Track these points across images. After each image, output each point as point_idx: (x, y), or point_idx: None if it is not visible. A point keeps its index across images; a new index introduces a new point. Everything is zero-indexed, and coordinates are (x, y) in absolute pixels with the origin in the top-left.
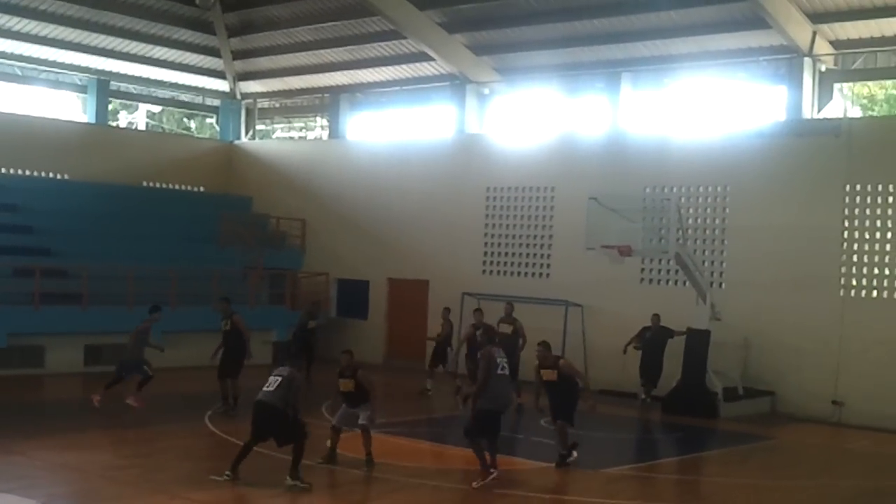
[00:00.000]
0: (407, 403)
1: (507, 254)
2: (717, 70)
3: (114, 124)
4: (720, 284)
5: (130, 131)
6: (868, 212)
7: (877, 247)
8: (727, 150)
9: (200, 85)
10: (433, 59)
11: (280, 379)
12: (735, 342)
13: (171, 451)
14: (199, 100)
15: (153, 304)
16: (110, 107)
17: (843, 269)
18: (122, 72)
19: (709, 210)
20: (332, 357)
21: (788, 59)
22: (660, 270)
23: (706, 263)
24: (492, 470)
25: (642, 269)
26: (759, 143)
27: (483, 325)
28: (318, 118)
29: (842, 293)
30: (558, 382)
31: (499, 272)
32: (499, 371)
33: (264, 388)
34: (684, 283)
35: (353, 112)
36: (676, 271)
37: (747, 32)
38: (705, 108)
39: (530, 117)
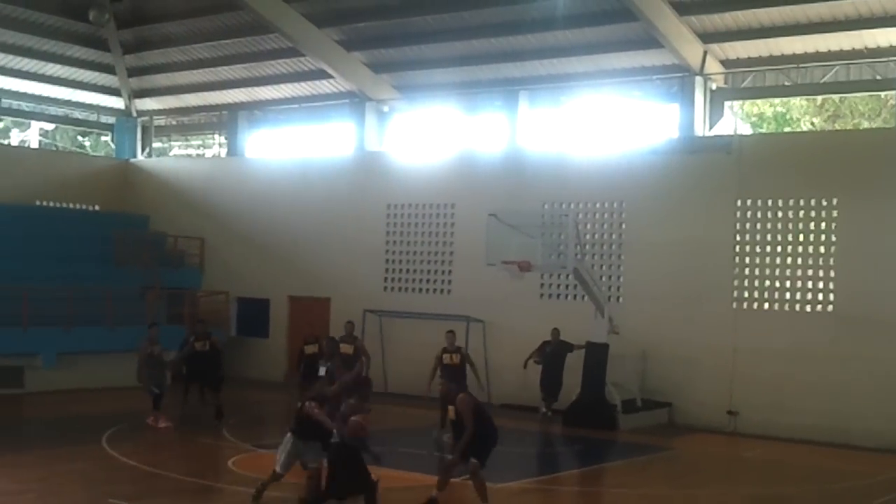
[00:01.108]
0: None
1: (408, 270)
2: (612, 88)
3: (5, 142)
4: (618, 298)
5: (23, 149)
6: (759, 226)
7: (767, 260)
8: (623, 167)
9: (95, 102)
10: (332, 77)
11: None
12: (633, 355)
13: (68, 475)
14: (93, 117)
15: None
16: (1, 124)
17: (736, 282)
18: (14, 89)
19: (606, 225)
20: (231, 376)
21: (680, 77)
22: (559, 285)
23: (604, 278)
24: None
25: (542, 285)
26: (653, 160)
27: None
28: (216, 136)
29: (734, 305)
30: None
31: (400, 289)
32: None
33: None
34: (583, 297)
35: (251, 130)
36: (575, 286)
37: (641, 52)
38: (601, 126)
39: (430, 135)
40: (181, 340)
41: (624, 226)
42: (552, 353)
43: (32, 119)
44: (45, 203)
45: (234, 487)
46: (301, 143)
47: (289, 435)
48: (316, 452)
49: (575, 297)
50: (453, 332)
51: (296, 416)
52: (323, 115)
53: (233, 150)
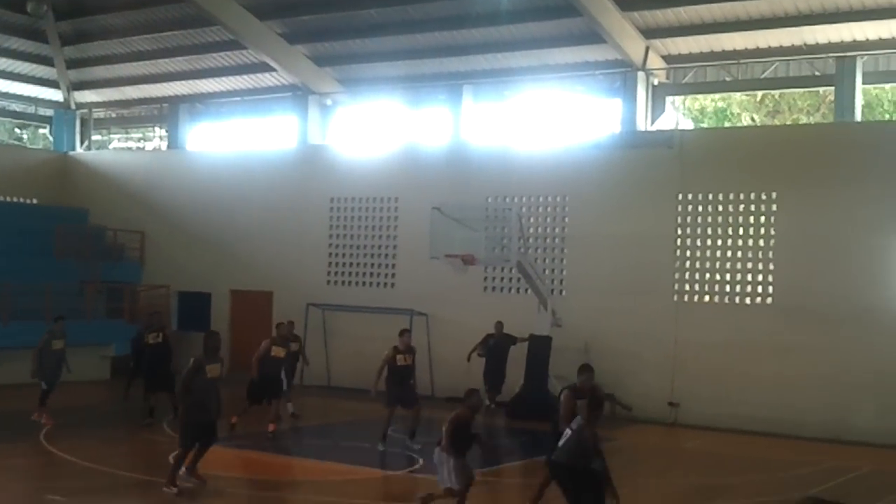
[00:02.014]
0: (250, 416)
1: (351, 264)
2: (555, 83)
3: None
4: (561, 291)
5: None
6: (700, 219)
7: (708, 253)
8: (566, 161)
9: (33, 94)
10: (274, 70)
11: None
12: (576, 347)
13: (5, 471)
14: (31, 109)
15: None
16: None
17: (677, 275)
18: None
19: (549, 219)
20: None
21: (623, 73)
22: (503, 279)
23: (547, 271)
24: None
25: (485, 278)
26: (595, 155)
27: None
28: (157, 129)
29: (676, 298)
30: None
31: (344, 282)
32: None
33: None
34: (526, 290)
35: (193, 123)
36: (519, 279)
37: (583, 47)
38: (545, 120)
39: (373, 128)
40: (133, 336)
41: (567, 219)
42: (495, 346)
43: None
44: None
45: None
46: (243, 137)
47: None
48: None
49: (518, 290)
50: (409, 330)
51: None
52: (265, 109)
53: (174, 143)
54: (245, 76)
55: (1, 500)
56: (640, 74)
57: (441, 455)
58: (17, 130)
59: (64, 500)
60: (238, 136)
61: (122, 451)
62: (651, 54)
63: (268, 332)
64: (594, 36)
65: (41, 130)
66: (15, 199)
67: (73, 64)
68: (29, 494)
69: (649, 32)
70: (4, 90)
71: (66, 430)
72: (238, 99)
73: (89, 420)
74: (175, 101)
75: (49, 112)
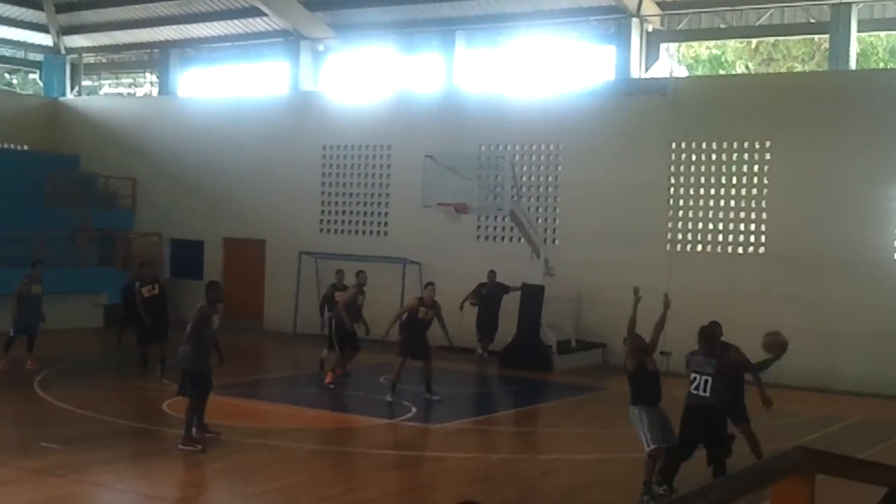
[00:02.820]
0: (244, 364)
1: (344, 212)
2: (549, 29)
3: None
4: (553, 241)
5: None
6: (693, 168)
7: (700, 202)
8: (559, 109)
9: (22, 39)
10: (265, 15)
11: None
12: (568, 297)
13: None
14: (20, 54)
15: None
16: None
17: (670, 225)
18: None
19: (542, 168)
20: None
21: (617, 19)
22: (495, 227)
23: (540, 220)
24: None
25: (478, 227)
26: (589, 102)
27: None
28: (148, 74)
29: (668, 248)
30: None
31: (337, 231)
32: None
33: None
34: (519, 239)
35: (184, 68)
36: (511, 228)
37: None
38: (538, 67)
39: (366, 75)
40: (123, 284)
41: (560, 168)
42: (488, 295)
43: None
44: None
45: (169, 430)
46: (235, 83)
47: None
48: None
49: (511, 239)
50: (433, 284)
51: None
52: (257, 54)
53: (164, 88)
54: (236, 21)
55: None
56: (635, 21)
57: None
58: (6, 76)
59: (58, 448)
60: (229, 82)
61: (116, 399)
62: (645, 0)
63: (262, 281)
64: None
65: (31, 76)
66: (5, 146)
67: (62, 8)
68: (23, 441)
69: None
70: None
71: (60, 378)
72: (229, 44)
73: (83, 368)
74: (166, 46)
75: (39, 57)
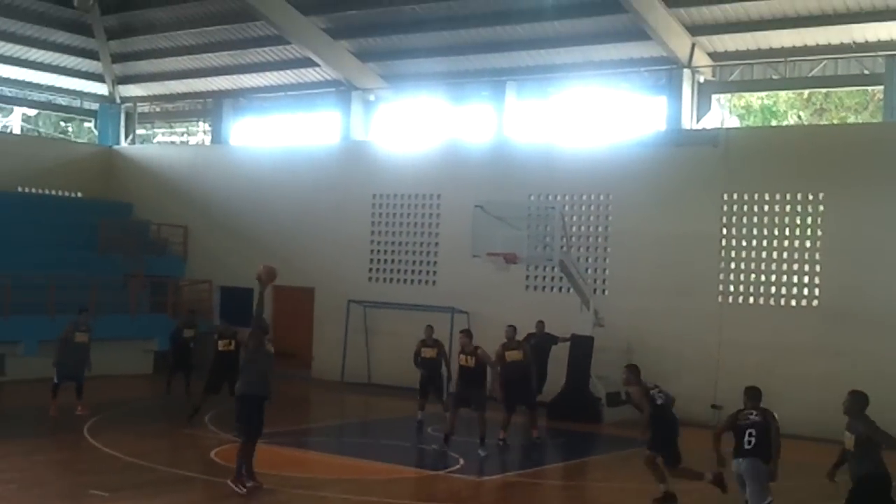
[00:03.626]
0: (291, 412)
1: (393, 261)
2: (600, 80)
3: None
4: (603, 291)
5: (5, 135)
6: (745, 219)
7: (753, 253)
8: (610, 159)
9: (78, 88)
10: (318, 65)
11: None
12: (618, 348)
13: (49, 464)
14: (76, 103)
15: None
16: None
17: (721, 276)
18: None
19: (592, 217)
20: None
21: (668, 70)
22: (544, 277)
23: (589, 270)
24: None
25: (527, 276)
26: (640, 152)
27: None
28: (201, 123)
29: (720, 299)
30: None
31: (385, 279)
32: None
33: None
34: (568, 289)
35: (236, 117)
36: (561, 278)
37: (629, 43)
38: (589, 118)
39: (416, 124)
40: (171, 331)
41: (610, 218)
42: (537, 346)
43: (15, 104)
44: (27, 189)
45: (216, 479)
46: (286, 132)
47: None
48: None
49: (560, 289)
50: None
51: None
52: (308, 104)
53: (217, 137)
54: (288, 71)
55: (45, 495)
56: (686, 72)
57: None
58: (62, 124)
59: (107, 496)
60: (281, 132)
61: (164, 447)
62: (697, 51)
63: (310, 329)
64: (639, 32)
65: (86, 124)
66: (60, 193)
67: (118, 58)
68: (73, 489)
69: (695, 29)
70: (51, 84)
71: (110, 424)
72: (281, 94)
73: (132, 414)
74: (219, 95)
75: (94, 106)
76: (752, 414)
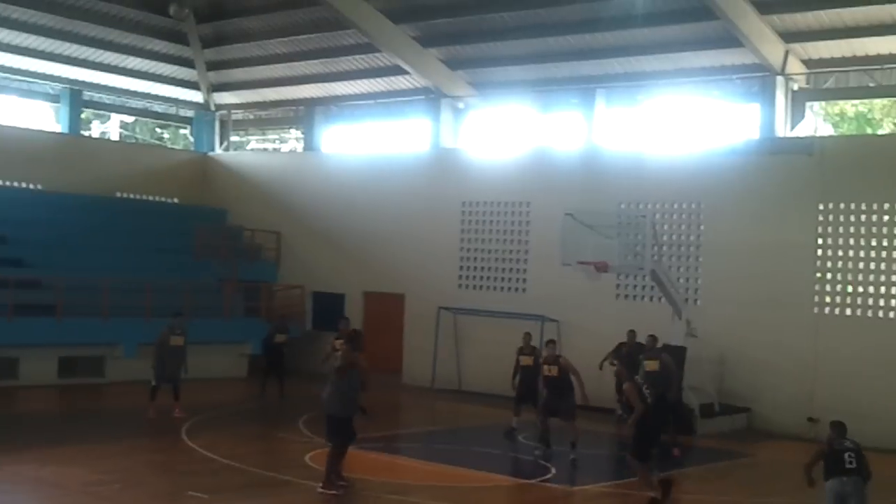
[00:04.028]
0: (383, 418)
1: (483, 268)
2: (690, 87)
3: (87, 134)
4: (695, 301)
5: (103, 141)
6: (841, 229)
7: (850, 264)
8: (701, 168)
9: (174, 95)
10: (408, 73)
11: None
12: (711, 358)
13: (148, 465)
14: (172, 110)
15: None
16: (83, 116)
17: (817, 287)
18: (95, 81)
19: (683, 226)
20: (306, 370)
21: (761, 77)
22: (635, 286)
23: (681, 280)
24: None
25: (618, 285)
26: (732, 161)
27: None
28: (293, 130)
29: (816, 310)
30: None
31: (475, 286)
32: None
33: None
34: (660, 299)
35: (327, 125)
36: (652, 287)
37: (721, 51)
38: (679, 125)
39: (505, 132)
40: (264, 336)
41: (702, 227)
42: (628, 356)
43: (113, 112)
44: (125, 195)
45: (310, 483)
46: (376, 139)
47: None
48: None
49: (651, 298)
50: (553, 340)
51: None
52: (398, 112)
53: (309, 144)
54: (379, 79)
55: (144, 496)
56: (780, 79)
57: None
58: (158, 131)
59: (206, 497)
60: (371, 139)
61: (260, 450)
62: (790, 58)
63: (400, 335)
64: (732, 39)
65: (182, 131)
66: (157, 199)
67: (212, 66)
68: (172, 490)
69: (789, 36)
70: (147, 91)
71: (207, 427)
72: (371, 102)
73: (228, 417)
74: (310, 103)
75: (189, 113)
76: (846, 441)
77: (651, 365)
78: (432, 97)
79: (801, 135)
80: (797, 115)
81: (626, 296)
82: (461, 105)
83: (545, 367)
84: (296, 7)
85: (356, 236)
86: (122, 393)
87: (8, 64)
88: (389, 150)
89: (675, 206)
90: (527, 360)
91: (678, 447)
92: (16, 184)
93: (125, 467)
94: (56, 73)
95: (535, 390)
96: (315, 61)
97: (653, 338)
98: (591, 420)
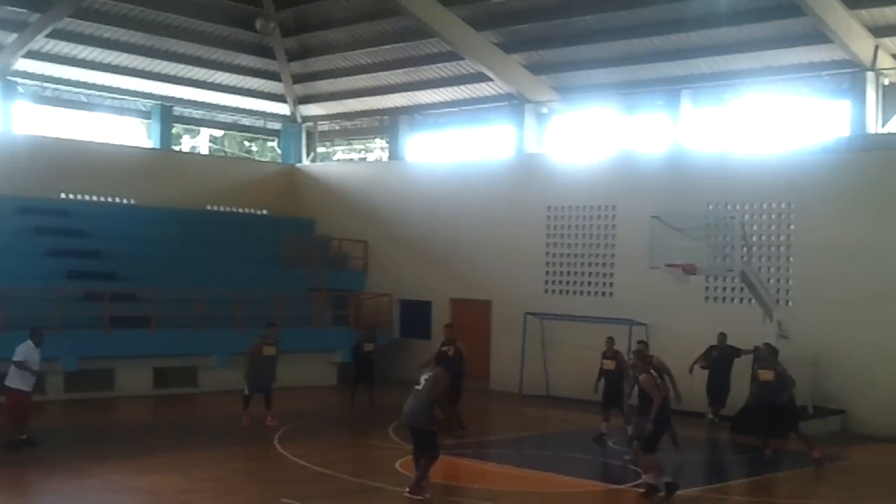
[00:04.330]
0: (470, 425)
1: (569, 273)
2: (778, 85)
3: (177, 149)
4: (787, 302)
5: (193, 156)
6: None
7: None
8: (791, 166)
9: (262, 109)
10: (491, 80)
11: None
12: (804, 360)
13: (242, 473)
14: (260, 123)
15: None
16: (173, 132)
17: None
18: (185, 97)
19: (773, 227)
20: (394, 377)
21: (851, 73)
22: (724, 288)
23: (772, 281)
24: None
25: (707, 288)
26: (823, 159)
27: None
28: (378, 140)
29: None
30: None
31: (561, 291)
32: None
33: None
34: (750, 300)
35: (412, 133)
36: (742, 289)
37: (808, 47)
38: (767, 124)
39: (590, 136)
40: (353, 344)
41: (793, 227)
42: (719, 359)
43: (202, 126)
44: (215, 208)
45: (400, 490)
46: (461, 146)
47: None
48: None
49: (741, 300)
50: (612, 337)
51: None
52: (482, 118)
53: (394, 153)
54: (462, 86)
55: (237, 503)
56: (870, 74)
57: None
58: (246, 144)
59: None
60: (456, 147)
61: (350, 457)
62: (881, 53)
63: (487, 342)
64: (819, 35)
65: (269, 143)
66: (246, 211)
67: (298, 79)
68: (265, 498)
69: (878, 31)
70: (235, 105)
71: (298, 435)
72: (455, 109)
73: (319, 425)
74: (395, 112)
75: (277, 126)
76: None
77: (765, 375)
78: (516, 103)
79: (894, 131)
80: (889, 110)
81: (716, 298)
82: (545, 110)
83: (604, 361)
84: (379, 18)
85: (442, 243)
86: (214, 402)
87: (101, 82)
88: (473, 156)
89: (765, 205)
90: (609, 365)
91: (816, 449)
92: (109, 199)
93: (219, 475)
94: (147, 90)
95: (619, 394)
96: (399, 71)
97: (769, 346)
98: (682, 424)
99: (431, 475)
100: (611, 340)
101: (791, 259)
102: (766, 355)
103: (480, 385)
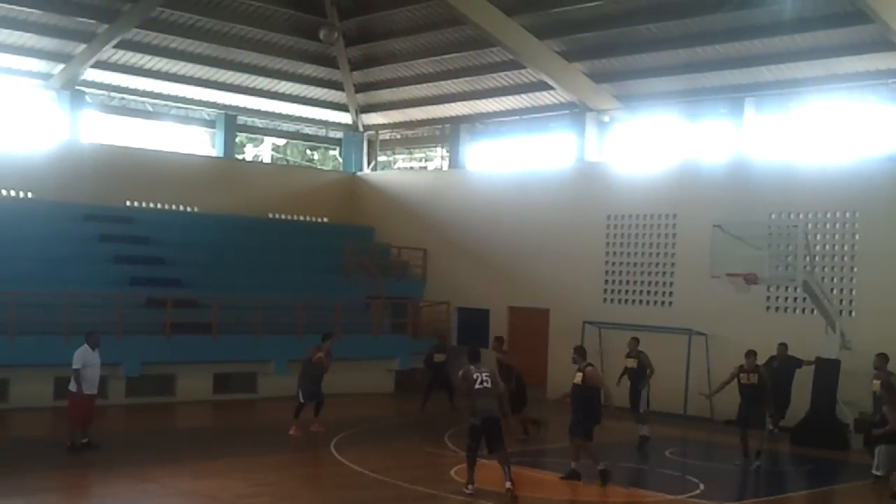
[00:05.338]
0: (529, 433)
1: (628, 282)
2: (843, 93)
3: (240, 157)
4: (850, 312)
5: (256, 164)
6: None
7: None
8: (856, 175)
9: (324, 118)
10: (552, 88)
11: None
12: (867, 372)
13: (298, 479)
14: (322, 132)
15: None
16: (237, 140)
17: None
18: (249, 106)
19: (837, 236)
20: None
21: None
22: (786, 298)
23: (835, 291)
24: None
25: (768, 297)
26: (888, 168)
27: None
28: (439, 148)
29: None
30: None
31: (620, 300)
32: (477, 386)
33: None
34: (812, 311)
35: (472, 142)
36: (804, 299)
37: (875, 55)
38: (832, 133)
39: (651, 144)
40: (426, 354)
41: (857, 236)
42: (779, 369)
43: (265, 135)
44: (277, 216)
45: (455, 497)
46: (521, 155)
47: None
48: None
49: (803, 310)
50: (755, 352)
51: None
52: (543, 127)
53: (454, 162)
54: (523, 95)
55: None
56: None
57: None
58: (308, 152)
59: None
60: (516, 155)
61: (406, 464)
62: None
63: (545, 350)
64: (886, 43)
65: (331, 152)
66: (308, 219)
67: (361, 88)
68: (321, 503)
69: None
70: (298, 114)
71: (355, 442)
72: (516, 118)
73: (376, 432)
74: (456, 121)
75: (339, 134)
76: None
77: (877, 386)
78: (577, 111)
79: None
80: None
81: (777, 308)
82: (606, 118)
83: (743, 375)
84: (442, 27)
85: (501, 252)
86: (273, 408)
87: (166, 92)
88: (534, 165)
89: (829, 215)
90: (631, 363)
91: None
92: (173, 207)
93: (276, 480)
94: (212, 100)
95: (638, 392)
96: (460, 80)
97: (882, 356)
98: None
99: (479, 481)
100: (634, 341)
101: (855, 269)
102: (879, 366)
103: (538, 393)
